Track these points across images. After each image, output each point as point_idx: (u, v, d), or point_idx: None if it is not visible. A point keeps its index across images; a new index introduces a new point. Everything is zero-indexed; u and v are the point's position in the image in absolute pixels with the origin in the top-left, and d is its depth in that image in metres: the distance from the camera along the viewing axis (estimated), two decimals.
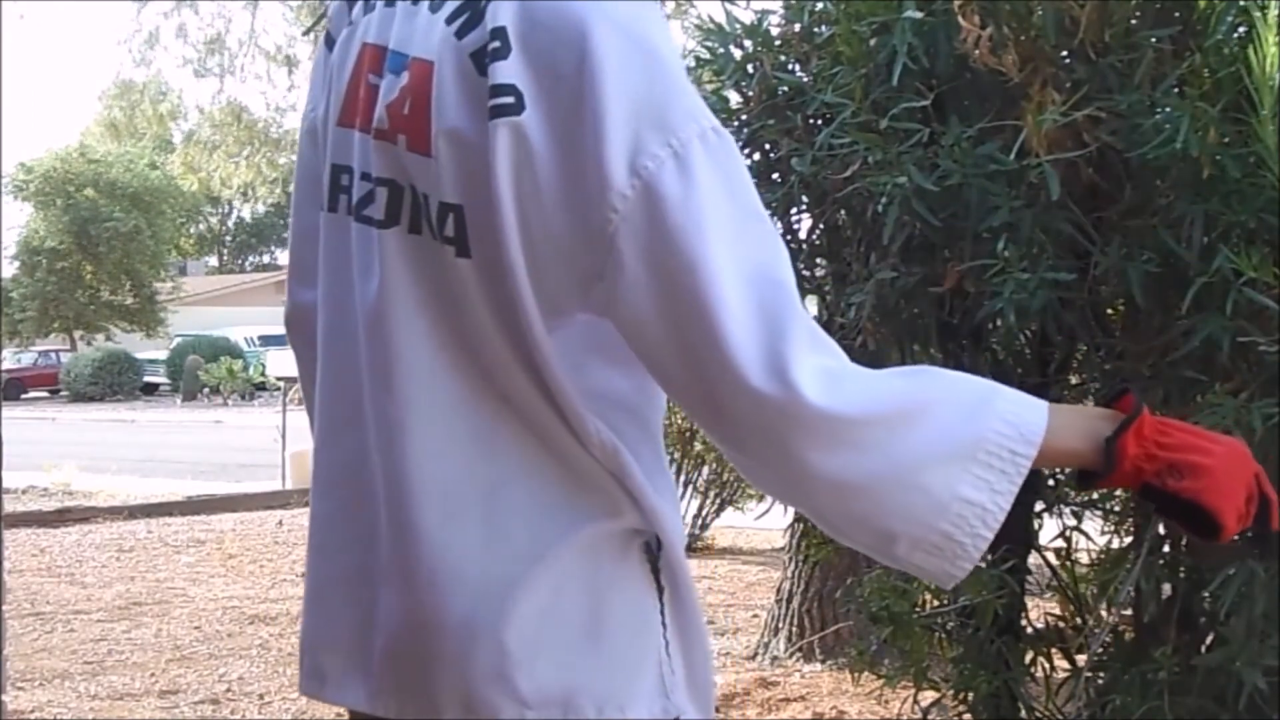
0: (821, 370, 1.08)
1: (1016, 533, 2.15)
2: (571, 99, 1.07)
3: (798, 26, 2.06)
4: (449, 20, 1.13)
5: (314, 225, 1.28)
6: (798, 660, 5.03)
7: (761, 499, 2.34)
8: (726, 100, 2.10)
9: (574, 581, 1.16)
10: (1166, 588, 1.96)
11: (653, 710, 1.19)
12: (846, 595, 2.28)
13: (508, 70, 1.08)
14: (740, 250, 1.08)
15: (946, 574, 1.17)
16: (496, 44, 1.09)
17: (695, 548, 8.00)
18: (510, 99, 1.08)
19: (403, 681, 1.20)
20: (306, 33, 11.76)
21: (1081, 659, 2.04)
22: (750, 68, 2.05)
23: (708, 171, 1.08)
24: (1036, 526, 2.18)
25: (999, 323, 1.86)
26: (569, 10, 1.08)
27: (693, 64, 2.14)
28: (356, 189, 1.20)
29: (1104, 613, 2.05)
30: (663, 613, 1.21)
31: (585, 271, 1.10)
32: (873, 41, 1.88)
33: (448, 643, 1.16)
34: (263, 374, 22.93)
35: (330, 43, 1.30)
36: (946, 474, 1.11)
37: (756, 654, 5.20)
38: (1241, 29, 1.67)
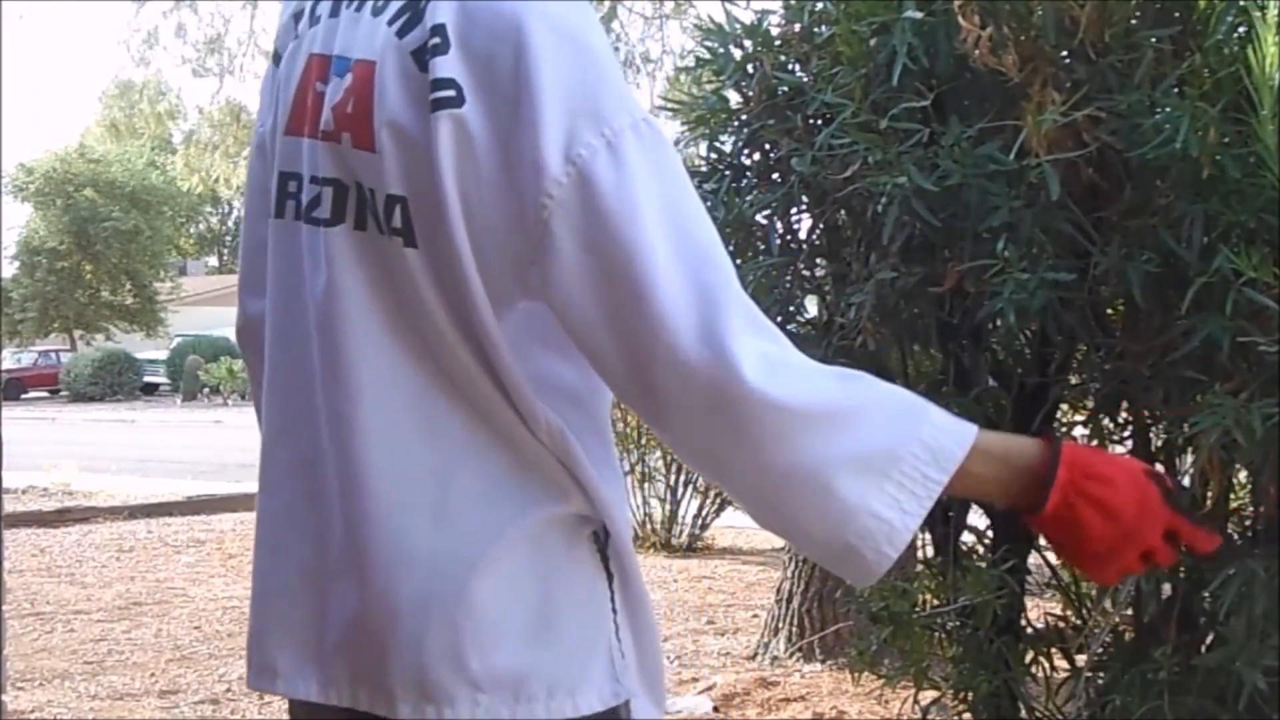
0: (759, 353, 1.11)
1: (1016, 532, 2.15)
2: (509, 92, 1.12)
3: (798, 26, 2.06)
4: (390, 22, 1.18)
5: (264, 238, 1.31)
6: (798, 660, 5.03)
7: None
8: (726, 100, 2.10)
9: (525, 567, 1.19)
10: (1166, 588, 1.96)
11: (603, 693, 1.22)
12: (846, 595, 2.28)
13: (448, 65, 1.13)
14: (674, 233, 1.12)
15: (854, 579, 1.21)
16: (436, 40, 1.14)
17: (695, 548, 8.01)
18: (451, 92, 1.12)
19: (356, 670, 1.22)
20: None
21: (1081, 659, 2.04)
22: (750, 68, 2.05)
23: (639, 159, 1.12)
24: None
25: (999, 323, 1.86)
26: (505, 8, 1.13)
27: (693, 64, 2.14)
28: (305, 193, 1.24)
29: (1104, 613, 2.05)
30: (613, 598, 1.25)
31: (520, 257, 1.14)
32: (873, 41, 1.88)
33: (401, 627, 1.18)
34: None
35: (277, 59, 1.33)
36: (860, 485, 1.14)
37: (756, 654, 5.21)
38: (1241, 29, 1.67)
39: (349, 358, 1.20)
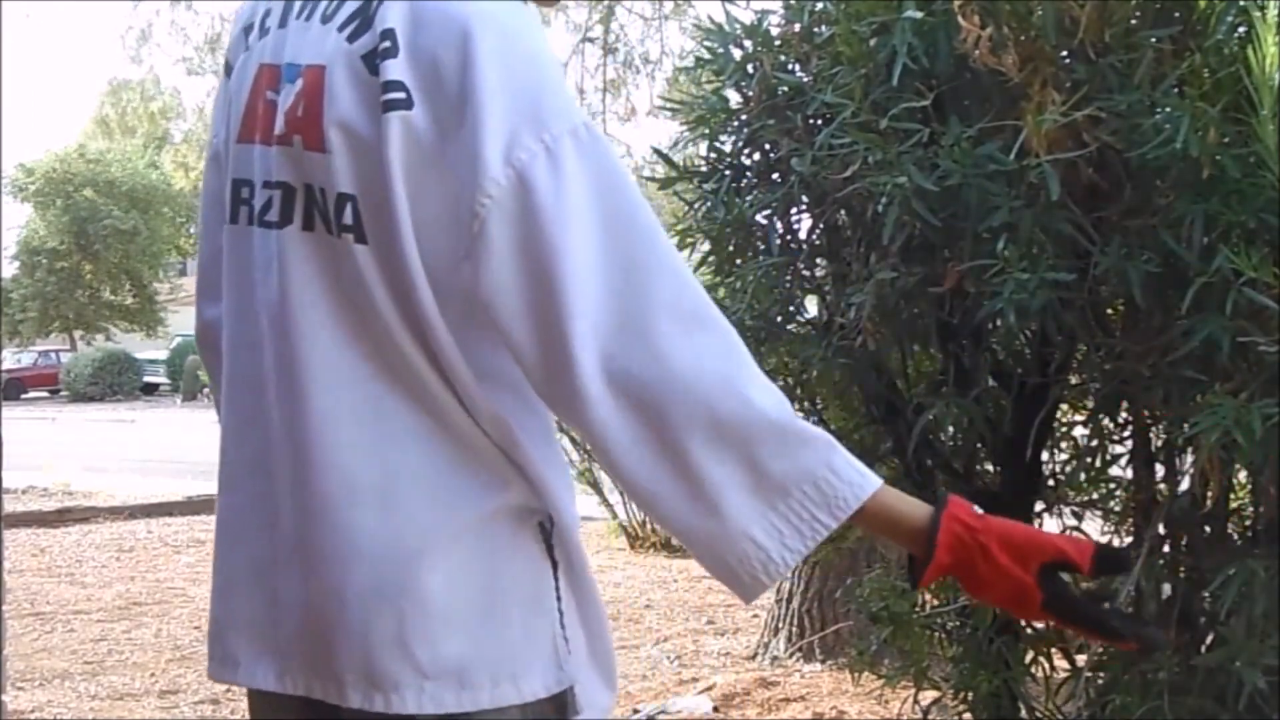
0: (678, 351, 1.15)
1: None
2: (454, 94, 1.16)
3: (798, 26, 2.06)
4: (340, 28, 1.22)
5: (219, 246, 1.35)
6: (798, 660, 5.03)
7: None
8: (726, 100, 2.10)
9: (469, 557, 1.23)
10: (1166, 588, 1.96)
11: (546, 680, 1.25)
12: (846, 595, 2.28)
13: (397, 68, 1.17)
14: (603, 242, 1.16)
15: (735, 594, 1.25)
16: (386, 44, 1.18)
17: None
18: (401, 94, 1.17)
19: (309, 659, 1.26)
20: None
21: (1081, 659, 2.04)
22: (750, 68, 2.05)
23: (577, 166, 1.16)
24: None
25: (999, 323, 1.86)
26: (453, 12, 1.17)
27: (693, 64, 2.14)
28: (258, 198, 1.28)
29: None
30: (557, 587, 1.28)
31: (456, 252, 1.17)
32: (873, 41, 1.88)
33: (349, 616, 1.22)
34: None
35: (229, 71, 1.37)
36: (746, 510, 1.18)
37: (756, 654, 5.20)
38: (1241, 29, 1.67)
39: (300, 355, 1.24)
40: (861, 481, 1.19)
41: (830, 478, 1.18)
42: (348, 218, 1.20)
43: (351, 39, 1.21)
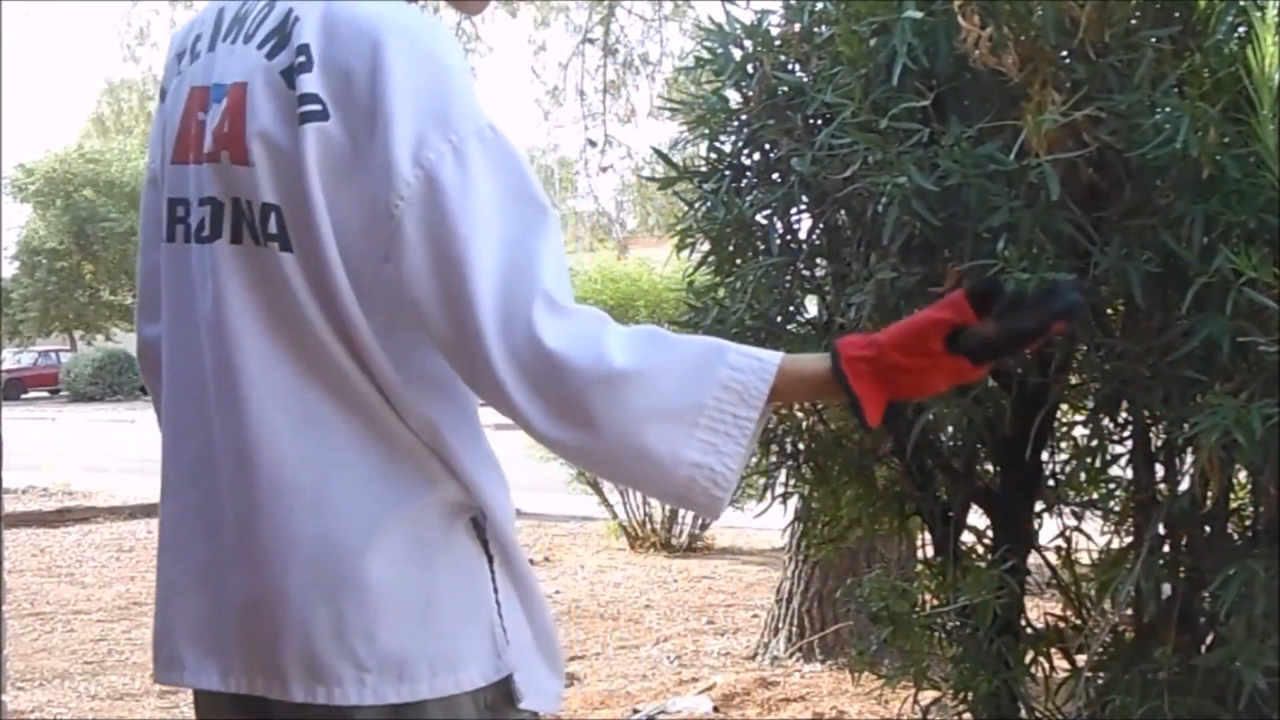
0: (559, 333, 1.20)
1: (1017, 533, 2.15)
2: (365, 103, 1.22)
3: (798, 26, 2.06)
4: (260, 46, 1.29)
5: (157, 266, 1.41)
6: (798, 660, 5.03)
7: (761, 498, 2.34)
8: (726, 100, 2.10)
9: (404, 552, 1.28)
10: (1166, 588, 1.96)
11: (484, 670, 1.31)
12: (846, 595, 2.28)
13: (312, 81, 1.23)
14: (504, 233, 1.21)
15: (704, 516, 1.31)
16: (302, 59, 1.24)
17: (695, 548, 8.00)
18: (317, 106, 1.23)
19: (252, 657, 1.31)
20: None
21: (1081, 659, 2.04)
22: (750, 68, 2.05)
23: (482, 163, 1.22)
24: (1036, 526, 2.18)
25: None
26: (364, 25, 1.23)
27: (692, 64, 2.14)
28: (193, 215, 1.33)
29: (1104, 613, 2.05)
30: (494, 579, 1.33)
31: (377, 255, 1.23)
32: (873, 41, 1.88)
33: (290, 612, 1.27)
34: None
35: (164, 96, 1.43)
36: (671, 439, 1.22)
37: (756, 654, 5.20)
38: (1241, 29, 1.67)
39: (235, 364, 1.29)
40: (761, 365, 1.23)
41: (734, 374, 1.23)
42: (273, 227, 1.26)
43: (270, 55, 1.27)
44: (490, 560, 1.34)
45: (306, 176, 1.23)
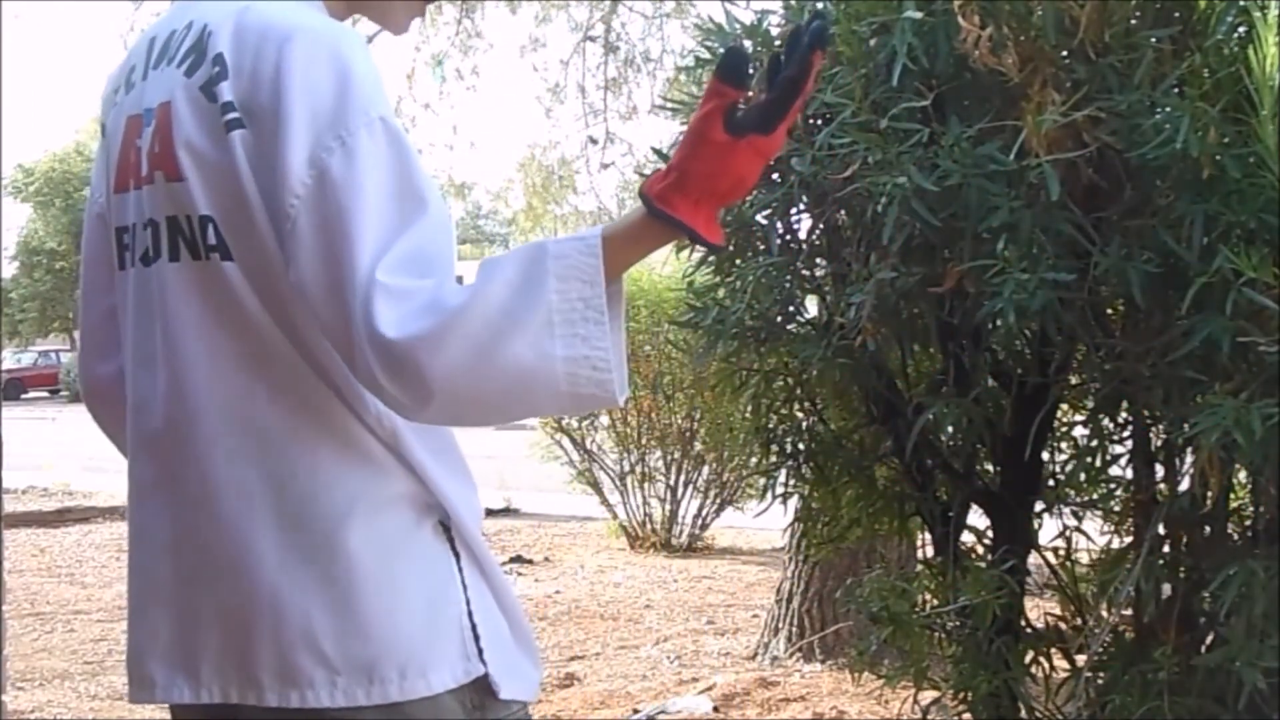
0: (390, 319, 1.18)
1: (1017, 533, 2.15)
2: (269, 108, 1.23)
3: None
4: (179, 64, 1.31)
5: (108, 306, 1.45)
6: (798, 660, 5.03)
7: (761, 498, 2.34)
8: None
9: (368, 555, 1.28)
10: (1166, 588, 1.96)
11: (454, 671, 1.31)
12: (846, 595, 2.28)
13: (228, 90, 1.26)
14: (380, 231, 1.20)
15: (600, 405, 1.29)
16: (217, 69, 1.27)
17: (695, 548, 8.01)
18: (236, 114, 1.25)
19: (225, 668, 1.31)
20: None
21: (1081, 659, 2.04)
22: (750, 68, 2.05)
23: (369, 157, 1.22)
24: (1036, 526, 2.18)
25: (999, 323, 1.86)
26: (269, 29, 1.26)
27: (693, 64, 2.14)
28: (137, 240, 1.35)
29: (1104, 613, 2.05)
30: (462, 578, 1.34)
31: (282, 257, 1.24)
32: (873, 41, 1.88)
33: (261, 621, 1.28)
34: None
35: (104, 131, 1.46)
36: (533, 347, 1.21)
37: (756, 654, 5.20)
38: (1241, 29, 1.67)
39: (187, 380, 1.31)
40: (584, 243, 1.23)
41: (562, 262, 1.22)
42: (211, 238, 1.27)
43: (189, 73, 1.29)
44: (457, 558, 1.34)
45: (241, 182, 1.24)
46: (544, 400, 1.26)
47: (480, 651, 1.33)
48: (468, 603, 1.33)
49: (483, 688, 1.33)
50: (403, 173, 1.24)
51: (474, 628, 1.33)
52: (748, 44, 2.05)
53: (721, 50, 2.06)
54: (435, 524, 1.34)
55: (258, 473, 1.29)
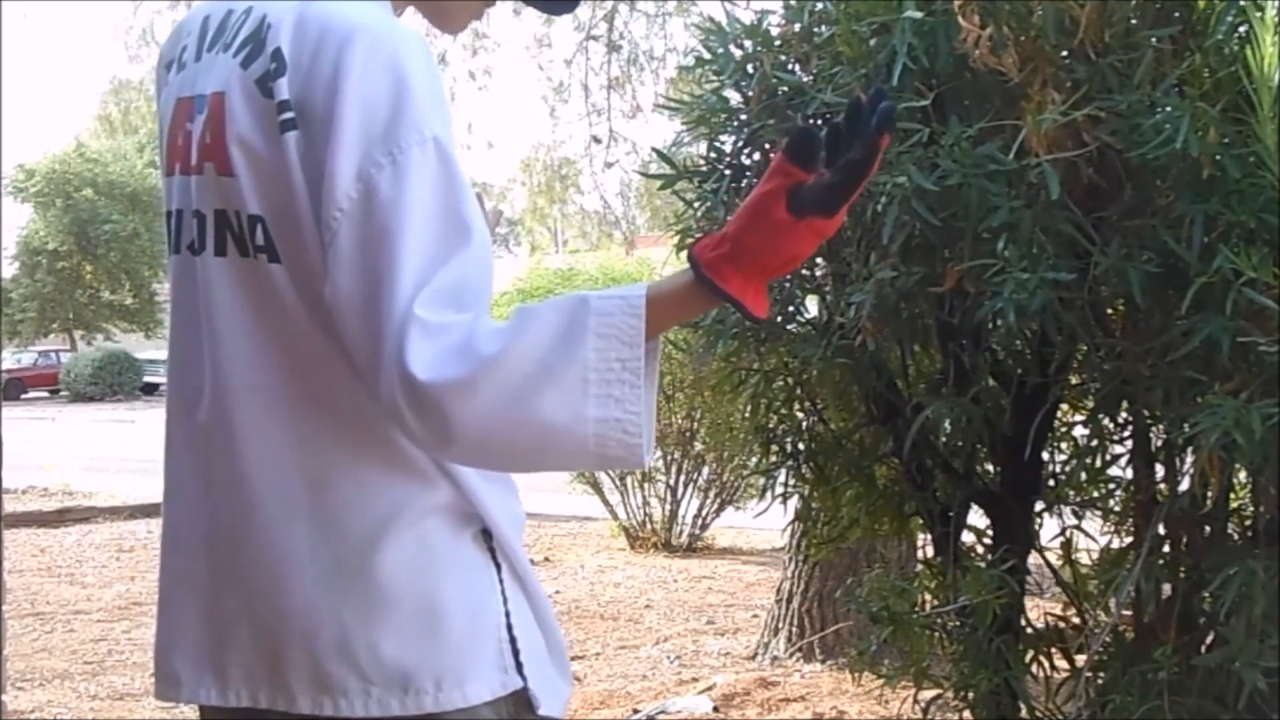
0: (425, 360, 1.16)
1: (1017, 533, 2.15)
2: (323, 108, 1.20)
3: (798, 26, 2.06)
4: (236, 54, 1.27)
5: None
6: (798, 660, 5.02)
7: (761, 498, 2.34)
8: (726, 100, 2.10)
9: (407, 563, 1.26)
10: (1166, 588, 1.96)
11: (491, 684, 1.28)
12: (846, 595, 2.28)
13: (285, 87, 1.22)
14: (422, 260, 1.18)
15: (625, 466, 1.26)
16: (274, 65, 1.23)
17: (695, 548, 8.00)
18: (291, 114, 1.21)
19: (254, 671, 1.29)
20: None
21: (1081, 659, 2.04)
22: (750, 68, 2.05)
23: (419, 178, 1.19)
24: (1036, 526, 2.18)
25: (999, 323, 1.86)
26: (331, 26, 1.21)
27: (693, 64, 2.14)
28: (185, 226, 1.32)
29: (1104, 613, 2.05)
30: (503, 589, 1.31)
31: (323, 267, 1.20)
32: (873, 41, 1.88)
33: (293, 627, 1.26)
34: None
35: (158, 105, 1.42)
36: (566, 404, 1.18)
37: (756, 654, 5.20)
38: (1241, 29, 1.67)
39: (233, 379, 1.28)
40: (627, 303, 1.20)
41: (603, 320, 1.19)
42: (259, 239, 1.25)
43: (245, 64, 1.25)
44: (498, 568, 1.31)
45: (293, 185, 1.21)
46: (568, 458, 1.26)
47: (520, 665, 1.30)
48: (507, 615, 1.30)
49: (521, 701, 1.30)
50: (451, 197, 1.21)
51: (513, 640, 1.30)
52: (748, 44, 2.05)
53: (721, 50, 2.06)
54: (476, 533, 1.30)
55: (298, 477, 1.26)
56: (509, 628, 1.30)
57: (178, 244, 1.35)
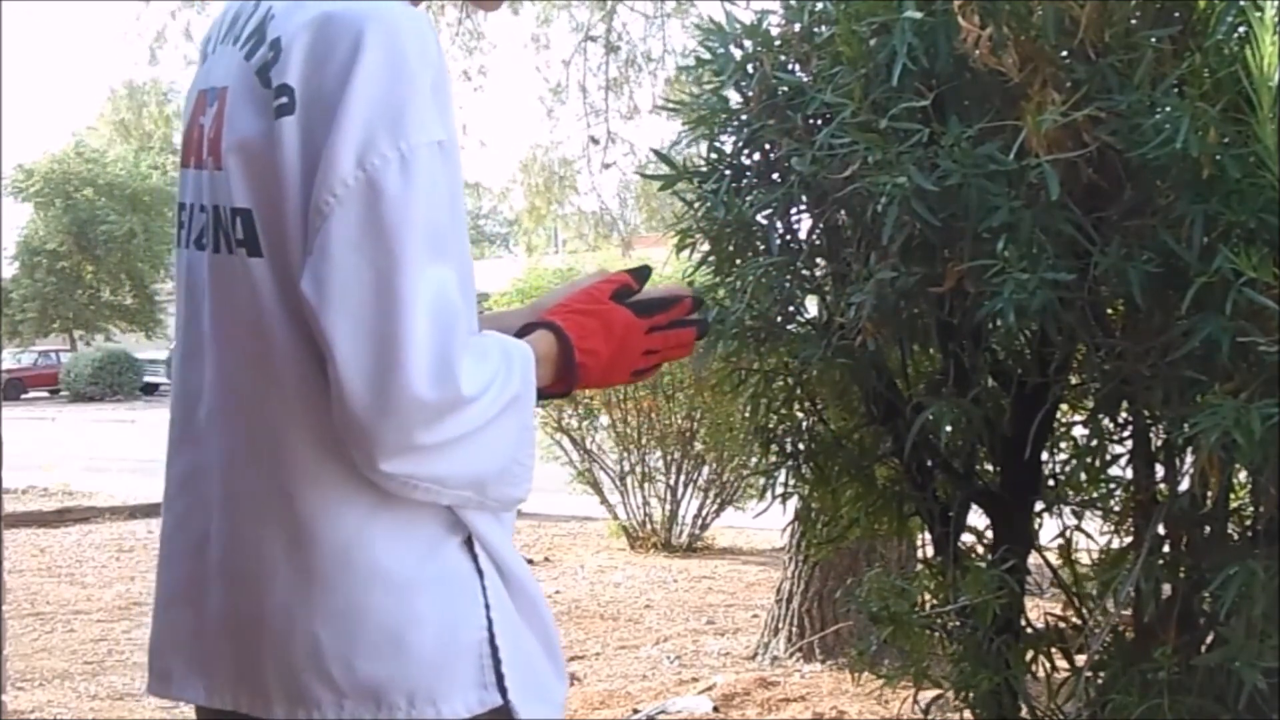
0: (473, 379, 1.20)
1: (1017, 533, 2.15)
2: (329, 92, 1.17)
3: (798, 26, 2.06)
4: (241, 46, 1.27)
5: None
6: (798, 660, 5.03)
7: (761, 498, 2.34)
8: (726, 100, 2.10)
9: (380, 577, 1.24)
10: (1166, 588, 1.96)
11: (468, 702, 1.25)
12: (846, 595, 2.28)
13: (281, 74, 1.20)
14: (438, 258, 1.18)
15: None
16: (272, 54, 1.22)
17: (695, 548, 8.01)
18: (285, 99, 1.19)
19: (236, 674, 1.29)
20: None
21: (1081, 658, 2.04)
22: (750, 68, 2.05)
23: (428, 179, 1.18)
24: (1036, 526, 2.18)
25: (999, 323, 1.86)
26: (347, 13, 1.19)
27: (693, 64, 2.14)
28: (194, 221, 1.32)
29: (1104, 613, 2.05)
30: (486, 600, 1.28)
31: (306, 254, 1.18)
32: (873, 41, 1.88)
33: (268, 634, 1.25)
34: None
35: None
36: (505, 453, 1.29)
37: (756, 654, 5.20)
38: (1241, 29, 1.67)
39: (219, 377, 1.29)
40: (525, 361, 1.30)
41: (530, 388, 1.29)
42: (239, 232, 1.23)
43: (249, 56, 1.25)
44: (481, 576, 1.28)
45: (285, 171, 1.19)
46: (494, 487, 1.30)
47: (500, 678, 1.27)
48: (490, 625, 1.27)
49: (500, 717, 1.27)
50: (454, 206, 1.21)
51: (495, 653, 1.27)
52: (748, 44, 2.05)
53: (721, 51, 2.06)
54: (460, 543, 1.27)
55: (272, 482, 1.24)
56: (491, 640, 1.27)
57: (186, 238, 1.34)
